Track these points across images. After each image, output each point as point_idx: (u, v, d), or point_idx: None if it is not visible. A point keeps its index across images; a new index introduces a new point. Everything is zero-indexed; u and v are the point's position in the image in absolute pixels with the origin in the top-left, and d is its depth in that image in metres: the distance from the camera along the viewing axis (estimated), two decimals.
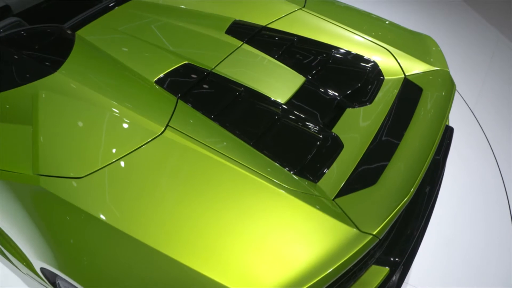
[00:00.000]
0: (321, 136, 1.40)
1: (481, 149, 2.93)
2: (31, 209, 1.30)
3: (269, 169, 1.26)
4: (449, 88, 1.62)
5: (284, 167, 1.29)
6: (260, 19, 1.84)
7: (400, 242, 1.42)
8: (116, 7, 1.88)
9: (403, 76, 1.68)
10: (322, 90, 1.57)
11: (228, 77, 1.53)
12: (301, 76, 1.59)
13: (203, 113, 1.40)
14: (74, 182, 1.22)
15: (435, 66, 1.71)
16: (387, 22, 1.98)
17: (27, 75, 1.45)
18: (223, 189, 1.19)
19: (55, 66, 1.46)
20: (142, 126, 1.31)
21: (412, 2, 4.65)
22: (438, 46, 1.85)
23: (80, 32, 1.72)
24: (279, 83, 1.55)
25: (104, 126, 1.32)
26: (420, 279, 2.15)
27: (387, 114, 1.51)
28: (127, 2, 1.91)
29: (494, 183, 2.70)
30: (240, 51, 1.65)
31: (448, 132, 1.72)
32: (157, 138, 1.28)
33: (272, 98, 1.49)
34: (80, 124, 1.33)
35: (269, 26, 1.81)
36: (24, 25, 1.76)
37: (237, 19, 1.83)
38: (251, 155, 1.30)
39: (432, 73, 1.68)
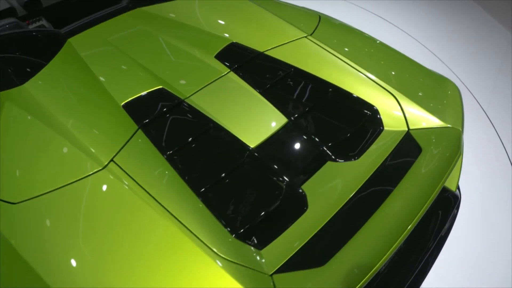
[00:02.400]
0: (284, 193, 1.23)
1: (494, 149, 2.85)
2: None
3: (207, 229, 1.12)
4: (454, 151, 1.37)
5: (226, 227, 1.14)
6: (260, 44, 1.68)
7: None
8: (119, 15, 1.82)
9: (406, 129, 1.44)
10: (305, 136, 1.38)
11: (200, 110, 1.40)
12: (284, 116, 1.42)
13: (159, 149, 1.29)
14: (8, 207, 1.17)
15: (447, 122, 1.45)
16: (405, 59, 1.72)
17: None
18: (148, 247, 1.07)
19: (25, 77, 1.43)
20: (87, 157, 1.22)
21: (422, 2, 4.58)
22: (459, 95, 1.57)
23: (72, 40, 1.68)
24: (255, 123, 1.39)
25: (52, 151, 1.25)
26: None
27: (371, 175, 1.30)
28: (130, 11, 1.85)
29: (507, 183, 2.57)
30: (223, 80, 1.51)
31: (446, 204, 1.46)
32: (95, 174, 1.19)
33: (242, 140, 1.33)
34: (31, 145, 1.27)
35: (267, 52, 1.65)
36: (22, 27, 1.75)
37: (234, 41, 1.68)
38: (193, 208, 1.16)
39: (440, 131, 1.43)
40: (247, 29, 1.76)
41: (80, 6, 2.48)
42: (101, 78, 1.49)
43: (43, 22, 2.29)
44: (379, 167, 1.32)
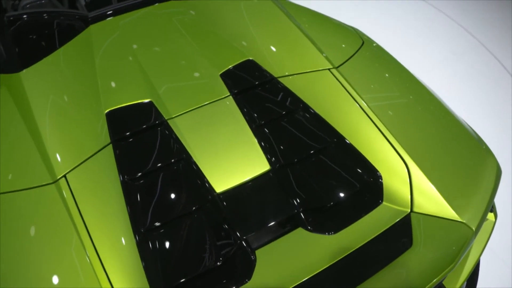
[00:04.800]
0: (230, 255, 1.08)
1: None
2: None
3: (126, 277, 1.03)
4: (453, 255, 1.09)
5: (149, 281, 1.03)
6: (277, 67, 1.49)
7: None
8: (151, 5, 1.74)
9: (408, 211, 1.19)
10: (283, 192, 1.20)
11: (178, 136, 1.28)
12: (267, 163, 1.24)
13: (119, 171, 1.21)
14: None
15: (461, 216, 1.16)
16: (445, 118, 1.39)
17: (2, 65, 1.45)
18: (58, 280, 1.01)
19: (28, 62, 1.43)
20: (43, 165, 1.20)
21: (460, 2, 4.16)
22: (494, 181, 1.24)
23: (94, 27, 1.64)
24: (232, 164, 1.24)
25: (16, 150, 1.24)
26: None
27: (339, 259, 1.09)
28: (163, 2, 1.75)
29: None
30: (218, 105, 1.36)
31: None
32: (41, 187, 1.15)
33: (209, 182, 1.20)
34: (3, 137, 1.28)
35: (281, 79, 1.45)
36: (54, 6, 1.75)
37: (251, 58, 1.51)
38: (123, 250, 1.07)
39: (449, 224, 1.15)
40: (271, 47, 1.57)
41: None
42: (99, 77, 1.44)
43: None
44: (353, 251, 1.11)
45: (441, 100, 1.47)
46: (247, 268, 1.07)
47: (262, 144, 1.28)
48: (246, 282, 1.05)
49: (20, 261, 1.03)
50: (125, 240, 1.08)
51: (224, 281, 1.05)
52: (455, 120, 1.40)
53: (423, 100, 1.45)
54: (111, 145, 1.26)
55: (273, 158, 1.25)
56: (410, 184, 1.22)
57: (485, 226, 1.39)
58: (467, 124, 1.44)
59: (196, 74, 1.46)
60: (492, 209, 1.43)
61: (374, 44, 1.63)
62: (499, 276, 1.98)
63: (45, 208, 1.11)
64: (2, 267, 1.01)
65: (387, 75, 1.51)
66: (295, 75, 1.47)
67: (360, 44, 1.60)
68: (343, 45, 1.59)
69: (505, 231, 2.15)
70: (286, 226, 1.16)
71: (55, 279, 0.99)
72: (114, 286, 1.00)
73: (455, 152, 1.31)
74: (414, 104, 1.43)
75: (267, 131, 1.32)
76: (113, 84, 1.42)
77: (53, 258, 1.03)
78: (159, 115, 1.33)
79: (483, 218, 1.17)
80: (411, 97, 1.45)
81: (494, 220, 1.40)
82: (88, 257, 1.03)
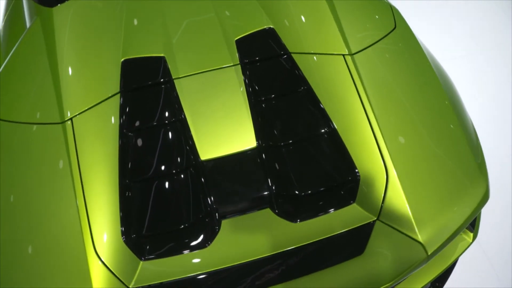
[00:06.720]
0: (198, 219, 1.21)
1: None
2: None
3: (103, 223, 1.17)
4: (397, 271, 1.14)
5: (122, 228, 1.19)
6: (294, 42, 1.46)
7: None
8: None
9: (375, 218, 1.22)
10: (262, 172, 1.26)
11: (180, 97, 1.35)
12: (255, 141, 1.30)
13: (121, 122, 1.33)
14: None
15: (422, 235, 1.16)
16: (451, 135, 1.32)
17: None
18: (42, 216, 1.17)
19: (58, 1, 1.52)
20: (55, 104, 1.33)
21: None
22: (474, 207, 1.20)
23: None
24: (222, 136, 1.31)
25: (34, 84, 1.38)
26: None
27: (292, 249, 1.18)
28: None
29: None
30: (224, 72, 1.39)
31: None
32: (49, 125, 1.30)
33: (196, 148, 1.29)
34: (27, 68, 1.42)
35: (294, 55, 1.43)
36: None
37: (272, 26, 1.48)
38: (107, 198, 1.20)
39: (406, 241, 1.17)
40: (295, 18, 1.52)
41: None
42: (125, 22, 1.50)
43: None
44: (307, 244, 1.18)
45: (454, 104, 1.39)
46: (210, 235, 1.20)
47: (256, 121, 1.32)
48: (205, 247, 1.18)
49: (11, 189, 1.21)
50: (111, 189, 1.23)
51: (185, 241, 1.19)
52: (457, 129, 1.34)
53: (432, 104, 1.38)
54: (119, 94, 1.37)
55: (262, 137, 1.30)
56: (384, 192, 1.23)
57: (460, 246, 1.39)
58: (473, 131, 1.38)
59: (213, 36, 1.47)
60: (473, 228, 1.41)
61: (406, 31, 1.52)
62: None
63: (48, 146, 1.27)
64: None
65: (404, 71, 1.43)
66: (309, 54, 1.44)
67: (390, 29, 1.50)
68: (371, 28, 1.50)
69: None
70: (256, 205, 1.25)
71: (42, 214, 1.16)
72: (92, 231, 1.15)
73: (444, 165, 1.27)
74: (419, 108, 1.36)
75: (264, 107, 1.35)
76: (135, 32, 1.49)
77: (44, 193, 1.19)
78: (167, 72, 1.40)
79: (445, 244, 1.18)
80: (420, 99, 1.38)
81: (470, 241, 1.39)
82: (76, 199, 1.19)
